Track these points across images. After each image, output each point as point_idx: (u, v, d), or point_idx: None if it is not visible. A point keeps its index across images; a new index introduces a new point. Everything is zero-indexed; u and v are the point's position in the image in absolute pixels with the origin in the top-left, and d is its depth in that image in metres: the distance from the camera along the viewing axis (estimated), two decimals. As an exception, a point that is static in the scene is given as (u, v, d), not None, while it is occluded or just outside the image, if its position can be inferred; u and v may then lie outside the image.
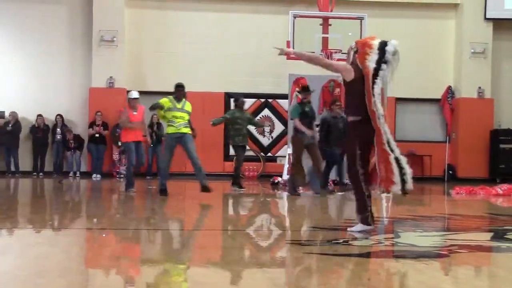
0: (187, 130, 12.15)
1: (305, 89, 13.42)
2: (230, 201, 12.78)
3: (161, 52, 19.06)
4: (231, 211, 11.37)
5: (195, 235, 7.81)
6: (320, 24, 16.87)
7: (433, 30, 19.94)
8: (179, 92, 12.43)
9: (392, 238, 7.32)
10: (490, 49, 19.65)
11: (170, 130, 12.17)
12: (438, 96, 19.88)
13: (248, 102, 19.07)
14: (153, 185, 16.01)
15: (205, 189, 12.06)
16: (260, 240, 7.38)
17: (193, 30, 19.20)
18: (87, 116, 18.45)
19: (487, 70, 19.66)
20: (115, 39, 18.31)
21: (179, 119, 12.10)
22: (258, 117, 19.25)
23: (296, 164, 12.84)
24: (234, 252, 6.29)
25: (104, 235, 7.41)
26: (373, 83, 7.30)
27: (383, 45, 7.58)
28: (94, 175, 17.56)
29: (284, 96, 17.44)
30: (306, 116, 12.85)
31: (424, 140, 19.81)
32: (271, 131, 19.28)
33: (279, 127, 19.19)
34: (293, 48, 16.49)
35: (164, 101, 12.30)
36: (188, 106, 12.37)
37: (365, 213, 7.29)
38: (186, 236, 7.73)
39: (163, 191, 12.17)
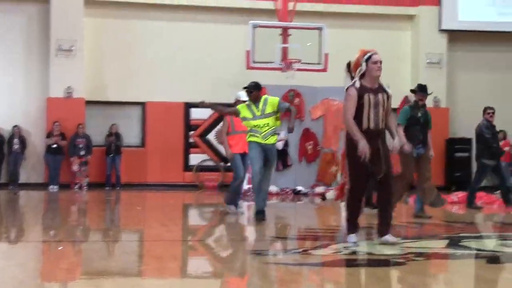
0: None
1: (422, 89, 10.62)
2: (190, 212, 12.75)
3: (121, 61, 18.93)
4: (191, 221, 11.34)
5: (153, 245, 7.77)
6: (280, 34, 16.97)
7: (390, 40, 20.20)
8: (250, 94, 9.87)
9: (351, 246, 7.38)
10: (445, 60, 19.98)
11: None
12: (396, 106, 20.10)
13: (208, 112, 19.08)
14: (111, 196, 15.91)
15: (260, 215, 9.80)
16: (220, 250, 7.38)
17: (154, 40, 19.11)
18: (45, 126, 18.22)
19: (442, 80, 19.98)
20: (73, 48, 18.12)
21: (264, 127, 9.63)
22: (217, 127, 19.25)
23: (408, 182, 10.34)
24: (193, 263, 6.28)
25: (60, 247, 7.32)
26: None
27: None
28: (51, 186, 17.34)
29: (244, 106, 17.44)
30: (416, 122, 10.36)
31: (382, 149, 19.97)
32: (230, 141, 19.26)
33: (239, 137, 19.17)
34: (253, 58, 16.58)
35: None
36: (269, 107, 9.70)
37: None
38: (143, 247, 7.69)
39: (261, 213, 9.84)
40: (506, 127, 18.43)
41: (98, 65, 18.85)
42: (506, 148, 18.35)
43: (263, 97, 9.75)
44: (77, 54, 18.21)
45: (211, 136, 19.16)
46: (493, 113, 12.87)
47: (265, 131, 9.53)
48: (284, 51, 16.80)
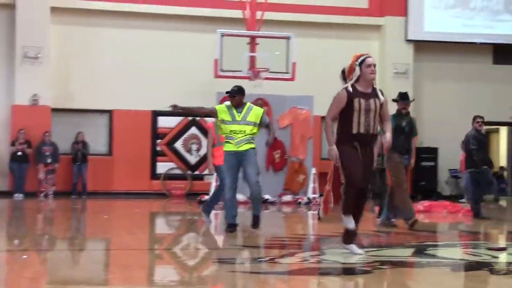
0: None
1: (404, 97, 10.63)
2: (158, 220, 12.69)
3: (88, 69, 18.81)
4: (158, 230, 11.28)
5: (120, 254, 7.72)
6: (248, 43, 17.02)
7: (358, 50, 20.20)
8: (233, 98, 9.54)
9: (318, 255, 7.42)
10: (412, 70, 20.22)
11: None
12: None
13: (176, 120, 19.04)
14: (78, 204, 15.78)
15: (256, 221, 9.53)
16: (187, 259, 7.36)
17: (122, 47, 19.02)
18: (9, 134, 18.00)
19: (408, 89, 19.99)
20: (39, 55, 17.95)
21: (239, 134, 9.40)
22: (185, 136, 19.22)
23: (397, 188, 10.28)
24: (160, 271, 6.25)
25: (25, 256, 7.24)
26: None
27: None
28: (16, 195, 17.12)
29: (212, 115, 17.44)
30: (401, 132, 10.32)
31: (349, 158, 20.10)
32: (198, 149, 19.26)
33: (206, 146, 19.14)
34: (221, 66, 16.60)
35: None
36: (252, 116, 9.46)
37: None
38: (110, 255, 7.64)
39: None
40: (463, 135, 18.76)
41: (65, 73, 18.70)
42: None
43: (248, 104, 9.55)
44: (43, 62, 18.05)
45: (178, 144, 19.13)
46: (483, 122, 12.93)
47: (240, 138, 9.32)
48: (252, 60, 16.85)
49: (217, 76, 16.75)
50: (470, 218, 12.83)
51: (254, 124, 9.36)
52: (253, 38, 17.06)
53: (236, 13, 18.31)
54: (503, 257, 7.24)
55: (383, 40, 20.29)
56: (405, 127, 10.39)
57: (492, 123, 21.32)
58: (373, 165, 7.31)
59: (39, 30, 18.08)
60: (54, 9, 18.25)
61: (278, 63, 16.75)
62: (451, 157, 19.19)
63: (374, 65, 7.23)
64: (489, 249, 7.89)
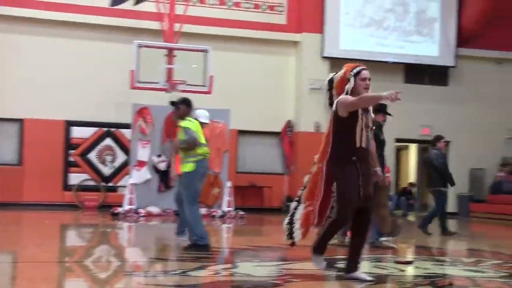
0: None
1: (385, 109, 10.15)
2: (69, 232, 12.43)
3: (0, 77, 18.31)
4: (69, 242, 11.05)
5: (27, 267, 7.51)
6: (165, 55, 16.96)
7: (275, 65, 20.62)
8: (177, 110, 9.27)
9: (230, 268, 7.44)
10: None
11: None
12: (279, 129, 20.51)
13: (90, 131, 18.74)
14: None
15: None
16: (98, 271, 7.23)
17: (35, 55, 18.60)
18: None
19: (323, 105, 20.52)
20: None
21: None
22: (99, 146, 18.93)
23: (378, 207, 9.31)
24: (69, 285, 6.12)
25: None
26: None
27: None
28: None
29: (127, 126, 17.28)
30: (381, 145, 9.87)
31: (265, 172, 20.30)
32: (113, 161, 19.00)
33: (121, 157, 18.94)
34: (138, 77, 16.46)
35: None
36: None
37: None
38: (16, 268, 7.42)
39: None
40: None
41: (-25, 80, 18.14)
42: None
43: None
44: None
45: (92, 155, 18.82)
46: (446, 142, 13.30)
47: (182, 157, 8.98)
48: (169, 72, 16.81)
49: (133, 87, 16.61)
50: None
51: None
52: (170, 50, 17.01)
53: (155, 25, 18.24)
54: (409, 270, 7.44)
55: (300, 56, 20.61)
56: (383, 141, 10.00)
57: (402, 140, 21.99)
58: (372, 182, 6.78)
59: None
60: (-36, 14, 17.73)
61: (195, 76, 16.76)
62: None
63: (369, 79, 6.62)
64: (397, 262, 8.10)
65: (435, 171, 12.91)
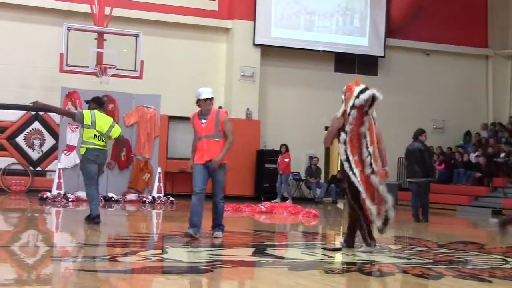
0: None
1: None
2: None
3: None
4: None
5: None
6: (96, 39, 16.74)
7: (206, 51, 20.58)
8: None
9: (160, 254, 7.46)
10: (258, 73, 20.71)
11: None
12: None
13: (18, 115, 18.35)
14: None
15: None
16: (25, 257, 7.14)
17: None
18: None
19: (255, 93, 20.67)
20: None
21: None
22: (27, 130, 18.54)
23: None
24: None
25: None
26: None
27: (359, 92, 8.23)
28: None
29: (56, 110, 16.97)
30: None
31: (195, 158, 20.24)
32: (41, 145, 18.65)
33: (49, 141, 18.60)
34: (67, 60, 16.20)
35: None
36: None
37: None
38: None
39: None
40: (305, 139, 19.60)
41: None
42: (286, 160, 19.35)
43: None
44: None
45: (20, 139, 18.44)
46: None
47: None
48: (100, 56, 16.60)
49: (62, 71, 16.35)
50: (309, 219, 13.35)
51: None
52: (101, 33, 16.80)
53: (85, 8, 17.96)
54: (338, 257, 7.62)
55: (231, 43, 20.64)
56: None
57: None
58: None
59: None
60: None
61: (126, 61, 16.61)
62: (292, 160, 19.80)
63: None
64: (325, 249, 8.27)
65: (418, 163, 13.41)
